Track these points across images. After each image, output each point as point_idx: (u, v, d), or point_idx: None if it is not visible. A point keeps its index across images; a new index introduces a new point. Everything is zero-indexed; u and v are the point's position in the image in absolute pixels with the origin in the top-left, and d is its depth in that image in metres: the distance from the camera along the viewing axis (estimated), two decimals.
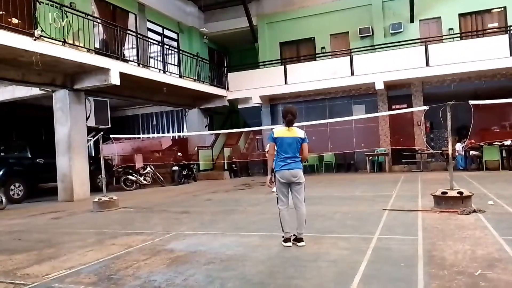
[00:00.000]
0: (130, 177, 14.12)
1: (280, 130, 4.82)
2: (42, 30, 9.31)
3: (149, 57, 15.31)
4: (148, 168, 14.92)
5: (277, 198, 4.90)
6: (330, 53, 17.54)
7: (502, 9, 15.72)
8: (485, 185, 9.26)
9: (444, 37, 15.82)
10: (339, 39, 17.99)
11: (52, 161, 11.93)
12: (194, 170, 16.65)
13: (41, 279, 3.98)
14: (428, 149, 14.24)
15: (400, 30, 16.55)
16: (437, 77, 15.22)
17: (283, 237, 4.77)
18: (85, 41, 10.97)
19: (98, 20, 12.70)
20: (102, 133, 9.92)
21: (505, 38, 13.98)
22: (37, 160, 12.55)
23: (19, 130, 16.69)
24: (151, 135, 20.09)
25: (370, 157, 15.86)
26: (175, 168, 15.32)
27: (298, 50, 18.84)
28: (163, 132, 20.67)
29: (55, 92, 11.79)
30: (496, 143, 13.78)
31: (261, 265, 4.04)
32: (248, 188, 12.50)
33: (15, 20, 9.36)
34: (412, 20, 16.50)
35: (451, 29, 16.03)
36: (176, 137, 20.18)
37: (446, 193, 6.51)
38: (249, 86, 17.30)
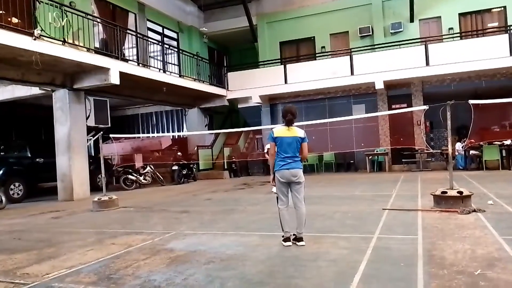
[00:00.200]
0: (130, 176, 14.12)
1: (280, 130, 4.82)
2: (41, 30, 9.30)
3: (149, 56, 15.31)
4: (148, 168, 14.92)
5: (277, 197, 4.91)
6: (330, 53, 17.54)
7: (502, 8, 15.72)
8: (485, 185, 9.26)
9: (444, 37, 15.82)
10: (339, 38, 17.99)
11: (52, 161, 11.93)
12: (194, 169, 16.65)
13: (41, 278, 3.98)
14: (428, 148, 14.24)
15: (400, 30, 16.55)
16: (437, 76, 15.22)
17: (283, 236, 4.78)
18: (85, 41, 10.97)
19: (98, 20, 12.69)
20: (102, 132, 9.92)
21: (505, 37, 13.98)
22: (37, 160, 12.55)
23: (19, 129, 16.69)
24: (151, 135, 20.09)
25: (370, 157, 15.86)
26: (175, 167, 15.32)
27: (298, 50, 18.83)
28: (163, 132, 20.68)
29: (54, 92, 11.78)
30: (496, 142, 13.79)
31: (261, 265, 4.04)
32: (248, 187, 12.51)
33: (14, 20, 9.36)
34: (412, 20, 16.50)
35: (451, 28, 16.03)
36: (176, 137, 20.18)
37: (446, 192, 6.51)
38: (249, 85, 17.30)
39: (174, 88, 15.21)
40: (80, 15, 10.75)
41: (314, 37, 18.30)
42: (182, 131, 20.06)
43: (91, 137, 14.57)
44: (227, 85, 18.00)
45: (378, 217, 6.19)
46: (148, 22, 16.34)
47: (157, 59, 15.74)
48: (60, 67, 10.84)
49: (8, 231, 6.95)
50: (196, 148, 17.65)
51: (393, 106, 16.02)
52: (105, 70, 11.14)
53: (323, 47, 18.00)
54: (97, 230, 6.52)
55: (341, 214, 6.64)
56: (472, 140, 13.34)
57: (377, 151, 15.88)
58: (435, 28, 16.52)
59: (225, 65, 21.41)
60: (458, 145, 14.48)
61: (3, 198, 10.18)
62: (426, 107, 8.01)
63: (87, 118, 12.83)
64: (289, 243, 4.69)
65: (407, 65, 14.93)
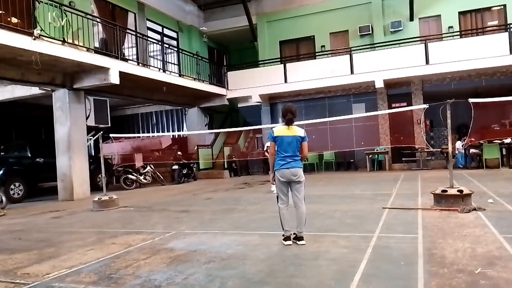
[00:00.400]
0: (130, 176, 14.12)
1: (279, 129, 4.82)
2: (41, 30, 9.30)
3: (149, 56, 15.31)
4: (148, 167, 14.91)
5: (277, 196, 4.91)
6: (330, 52, 17.54)
7: (502, 7, 15.71)
8: (485, 183, 9.27)
9: (444, 35, 15.80)
10: (338, 37, 17.98)
11: (52, 161, 11.93)
12: (194, 169, 16.65)
13: (41, 278, 3.98)
14: (428, 147, 14.24)
15: (400, 28, 16.54)
16: (437, 75, 15.21)
17: (283, 235, 4.78)
18: (84, 40, 10.97)
19: (98, 19, 12.68)
20: (102, 132, 9.92)
21: (505, 36, 13.96)
22: (37, 160, 12.55)
23: (19, 129, 16.69)
24: (151, 134, 20.09)
25: (370, 156, 15.86)
26: (175, 167, 15.32)
27: (298, 49, 18.83)
28: (163, 131, 20.67)
29: (54, 92, 11.78)
30: (496, 141, 13.78)
31: (261, 264, 4.04)
32: (248, 187, 12.51)
33: (14, 20, 9.36)
34: (412, 18, 16.49)
35: (451, 27, 16.02)
36: (176, 136, 20.18)
37: (446, 191, 6.51)
38: (248, 85, 17.30)
39: (174, 88, 15.20)
40: (80, 15, 10.75)
41: (314, 36, 18.29)
42: (182, 131, 20.05)
43: (91, 137, 14.58)
44: (227, 84, 17.99)
45: (378, 216, 6.19)
46: (147, 21, 16.32)
47: (157, 59, 15.75)
48: (60, 67, 10.84)
49: (8, 231, 6.96)
50: (196, 148, 17.66)
51: (393, 105, 16.00)
52: (104, 70, 11.14)
53: (323, 46, 18.00)
54: (98, 230, 6.52)
55: (341, 213, 6.64)
56: (472, 139, 13.33)
57: (377, 150, 15.88)
58: (435, 27, 16.52)
59: (225, 64, 21.40)
60: (458, 144, 14.48)
61: (3, 198, 10.18)
62: (426, 105, 8.00)
63: (87, 118, 12.84)
64: (289, 242, 4.69)
65: (407, 63, 14.92)
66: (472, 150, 14.27)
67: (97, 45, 12.82)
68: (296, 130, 4.82)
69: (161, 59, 15.87)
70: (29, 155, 12.52)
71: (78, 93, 11.97)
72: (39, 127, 16.66)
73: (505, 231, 4.74)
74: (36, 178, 12.53)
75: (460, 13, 16.11)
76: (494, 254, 3.90)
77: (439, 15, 16.37)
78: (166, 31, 17.79)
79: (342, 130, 16.46)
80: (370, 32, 17.01)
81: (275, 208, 5.14)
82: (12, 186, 11.57)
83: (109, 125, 14.25)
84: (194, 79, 16.26)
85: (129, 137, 17.92)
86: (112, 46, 12.28)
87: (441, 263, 3.71)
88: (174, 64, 16.76)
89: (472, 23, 16.16)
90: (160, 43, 16.22)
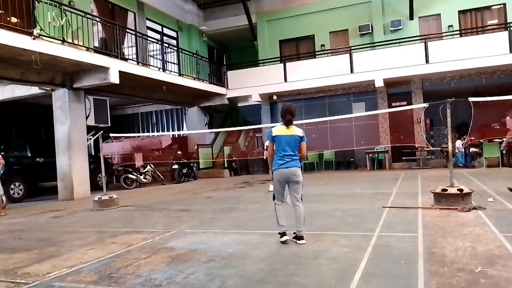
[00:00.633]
0: (130, 175, 14.12)
1: (278, 129, 4.83)
2: (41, 29, 9.29)
3: (149, 55, 15.29)
4: (148, 167, 14.92)
5: (273, 194, 4.91)
6: (329, 51, 17.52)
7: (502, 6, 15.70)
8: (485, 182, 9.27)
9: (443, 34, 15.80)
10: (338, 36, 17.97)
11: (52, 160, 11.93)
12: (194, 168, 16.65)
13: (41, 278, 3.98)
14: (428, 146, 14.23)
15: (400, 27, 16.54)
16: (437, 74, 15.21)
17: (279, 233, 4.77)
18: (84, 40, 10.96)
19: (97, 19, 12.66)
20: (101, 131, 9.92)
21: (504, 35, 13.96)
22: (37, 159, 12.55)
23: (19, 129, 16.68)
24: (151, 134, 20.09)
25: (370, 155, 15.86)
26: (175, 166, 15.32)
27: (298, 48, 18.82)
28: (163, 131, 20.67)
29: (54, 91, 11.78)
30: (496, 140, 13.78)
31: (261, 263, 4.04)
32: (248, 186, 12.51)
33: (14, 19, 9.34)
34: (411, 17, 16.48)
35: (451, 26, 16.02)
36: (176, 136, 20.17)
37: (446, 190, 6.51)
38: (248, 84, 17.30)
39: (173, 87, 15.20)
40: (79, 14, 10.74)
41: (313, 35, 18.29)
42: (182, 130, 20.05)
43: (91, 136, 14.58)
44: (227, 83, 17.99)
45: (378, 215, 6.19)
46: (147, 21, 16.32)
47: (156, 58, 15.73)
48: (60, 67, 10.84)
49: (8, 230, 6.96)
50: (196, 147, 17.66)
51: (393, 104, 16.00)
52: (104, 69, 11.14)
53: (322, 45, 17.99)
54: (98, 229, 6.52)
55: (341, 212, 6.64)
56: (472, 138, 13.33)
57: (377, 149, 15.89)
58: (435, 26, 16.51)
59: (224, 63, 21.39)
60: (458, 143, 14.48)
61: (4, 198, 10.18)
62: (426, 104, 8.00)
63: (87, 117, 12.84)
64: (286, 237, 4.69)
65: (407, 62, 14.92)
66: (472, 149, 14.27)
67: (96, 44, 12.80)
68: (295, 130, 4.83)
69: (161, 58, 15.86)
70: (29, 155, 12.53)
71: (78, 93, 11.97)
72: (39, 126, 16.66)
73: (505, 230, 4.74)
74: (36, 178, 12.54)
75: (460, 12, 16.10)
76: (494, 253, 3.91)
77: (439, 14, 16.36)
78: (165, 31, 17.78)
79: (342, 129, 16.46)
80: (370, 31, 17.00)
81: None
82: (12, 186, 11.57)
83: (109, 124, 14.25)
84: (194, 78, 16.25)
85: (129, 137, 17.91)
86: (112, 46, 12.27)
87: (441, 262, 3.71)
88: (174, 63, 16.75)
89: (472, 22, 16.15)
90: (159, 42, 16.21)
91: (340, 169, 16.73)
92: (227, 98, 18.03)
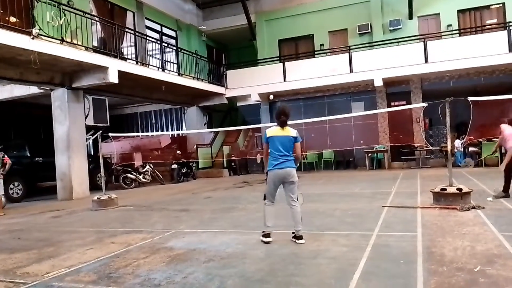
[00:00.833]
0: (129, 175, 14.11)
1: (272, 130, 4.86)
2: (40, 29, 9.28)
3: (148, 55, 15.28)
4: (147, 167, 14.91)
5: (264, 195, 4.94)
6: (328, 50, 17.52)
7: (501, 5, 15.71)
8: (484, 182, 9.27)
9: (443, 34, 15.80)
10: (337, 36, 17.98)
11: (51, 160, 11.92)
12: (193, 168, 16.65)
13: (40, 278, 3.98)
14: (427, 145, 14.23)
15: (399, 27, 16.54)
16: (436, 73, 15.22)
17: (263, 232, 4.79)
18: (83, 40, 10.94)
19: (96, 19, 12.65)
20: (101, 131, 9.92)
21: (504, 34, 13.96)
22: (36, 159, 12.53)
23: (18, 129, 16.65)
24: (150, 133, 20.07)
25: (369, 154, 15.87)
26: (174, 166, 15.32)
27: (297, 47, 18.81)
28: (162, 130, 20.67)
29: (53, 91, 11.77)
30: (495, 139, 13.77)
31: (261, 263, 4.04)
32: (248, 185, 12.50)
33: (12, 19, 9.33)
34: (410, 17, 16.49)
35: (450, 25, 16.02)
36: (175, 135, 20.16)
37: (445, 189, 6.52)
38: (248, 83, 17.30)
39: (173, 87, 15.19)
40: (78, 14, 10.72)
41: (312, 34, 18.29)
42: (181, 130, 20.04)
43: (90, 136, 14.56)
44: (226, 83, 17.98)
45: (377, 214, 6.19)
46: (146, 20, 16.30)
47: (155, 58, 15.72)
48: (59, 66, 10.82)
49: (7, 230, 6.95)
50: (195, 147, 17.65)
51: (392, 103, 16.00)
52: (103, 69, 11.13)
53: (321, 44, 17.98)
54: (97, 229, 6.52)
55: (340, 212, 6.64)
56: (472, 137, 13.34)
57: (376, 148, 15.90)
58: (434, 25, 16.51)
59: (224, 63, 21.38)
60: (457, 142, 14.49)
61: (3, 198, 10.16)
62: (425, 104, 8.01)
63: (86, 117, 12.82)
64: (270, 239, 4.72)
65: (406, 62, 14.93)
66: (471, 149, 14.28)
67: (96, 44, 12.79)
68: (289, 131, 4.85)
69: (160, 58, 15.85)
70: (28, 155, 12.50)
71: (77, 92, 11.95)
72: (38, 126, 16.64)
73: (504, 229, 4.75)
74: (35, 178, 12.51)
75: (459, 11, 16.11)
76: (493, 252, 3.91)
77: (438, 14, 16.37)
78: (165, 30, 17.78)
79: (341, 128, 16.46)
80: (369, 30, 17.00)
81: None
82: (11, 186, 11.55)
83: (108, 124, 14.23)
84: (193, 78, 16.25)
85: (128, 136, 17.90)
86: (111, 45, 12.26)
87: (441, 261, 3.72)
88: (173, 63, 16.74)
89: (471, 22, 16.16)
90: (159, 42, 16.20)
91: (339, 169, 16.73)
92: (226, 98, 18.03)
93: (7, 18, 9.13)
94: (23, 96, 12.96)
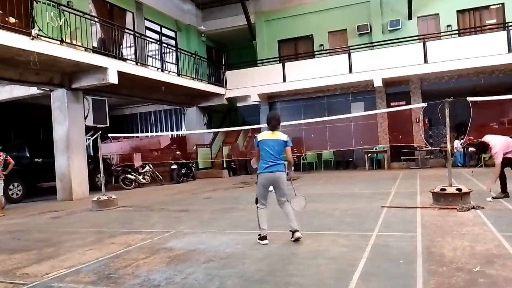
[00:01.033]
0: (129, 176, 14.11)
1: (263, 134, 5.00)
2: (39, 29, 9.28)
3: (147, 55, 15.28)
4: (147, 167, 14.91)
5: (256, 198, 5.00)
6: (328, 51, 17.53)
7: (500, 5, 15.72)
8: (483, 182, 9.27)
9: (442, 34, 15.81)
10: (337, 36, 17.98)
11: (50, 161, 11.91)
12: (193, 168, 16.64)
13: (40, 278, 3.98)
14: (427, 146, 14.23)
15: (398, 27, 16.55)
16: (436, 73, 15.23)
17: (259, 235, 4.83)
18: (82, 40, 10.94)
19: (96, 19, 12.65)
20: (100, 132, 9.92)
21: (503, 34, 13.97)
22: (36, 160, 12.52)
23: (18, 129, 16.64)
24: (149, 134, 20.06)
25: (369, 154, 15.88)
26: (174, 166, 15.31)
27: (296, 48, 18.82)
28: (161, 131, 20.66)
29: (53, 92, 11.76)
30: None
31: (260, 263, 4.04)
32: (247, 186, 12.50)
33: (12, 19, 9.33)
34: (410, 17, 16.50)
35: (449, 25, 16.03)
36: (175, 136, 20.16)
37: (445, 189, 6.52)
38: (247, 84, 17.30)
39: (172, 87, 15.19)
40: (78, 15, 10.73)
41: (312, 35, 18.30)
42: (181, 130, 20.04)
43: (90, 137, 14.56)
44: (226, 83, 17.99)
45: (377, 214, 6.20)
46: (146, 21, 16.30)
47: (155, 58, 15.73)
48: (58, 67, 10.82)
49: (7, 231, 6.95)
50: (195, 147, 17.64)
51: (392, 104, 16.02)
52: (103, 70, 11.12)
53: (321, 45, 17.99)
54: (97, 230, 6.51)
55: (340, 212, 6.65)
56: (471, 137, 13.33)
57: (376, 148, 15.90)
58: (433, 25, 16.53)
59: (223, 63, 21.39)
60: (457, 143, 14.49)
61: (3, 199, 10.15)
62: (424, 104, 8.01)
63: (85, 118, 12.82)
64: (266, 242, 4.75)
65: (405, 62, 14.94)
66: (470, 149, 14.27)
67: (95, 44, 12.80)
68: (279, 135, 4.94)
69: (159, 58, 15.85)
70: (28, 155, 12.49)
71: (77, 93, 11.95)
72: (38, 127, 16.63)
73: (503, 230, 4.75)
74: (35, 178, 12.50)
75: (458, 11, 16.12)
76: (493, 252, 3.91)
77: (438, 14, 16.38)
78: (164, 31, 17.78)
79: (341, 129, 16.45)
80: (369, 31, 17.01)
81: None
82: (11, 186, 11.53)
83: (108, 124, 14.23)
84: (193, 78, 16.25)
85: (128, 137, 17.90)
86: (111, 46, 12.26)
87: (440, 261, 3.72)
88: (172, 63, 16.74)
89: (471, 22, 16.17)
90: (158, 42, 16.20)
91: (339, 169, 16.74)
92: (226, 98, 18.03)
93: (6, 19, 9.13)
94: (22, 96, 12.96)
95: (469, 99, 6.84)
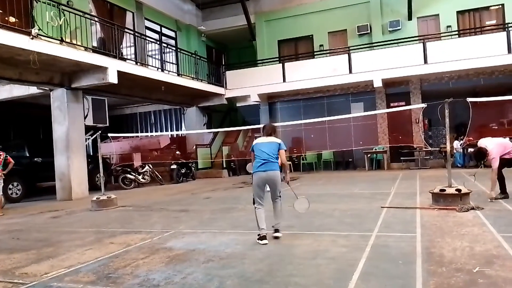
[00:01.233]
0: (129, 175, 14.10)
1: (258, 139, 5.22)
2: (39, 29, 9.27)
3: (147, 55, 15.27)
4: (147, 167, 14.90)
5: (253, 199, 5.03)
6: (328, 51, 17.53)
7: (500, 6, 15.72)
8: (483, 182, 9.27)
9: (442, 35, 15.82)
10: (337, 36, 17.99)
11: (50, 160, 11.90)
12: (193, 168, 16.63)
13: (39, 278, 3.97)
14: (427, 146, 14.23)
15: (398, 28, 16.55)
16: (435, 74, 15.24)
17: (258, 235, 4.86)
18: (82, 40, 10.94)
19: (96, 19, 12.65)
20: (100, 131, 9.91)
21: (503, 35, 13.98)
22: (35, 159, 12.51)
23: (17, 129, 16.64)
24: (149, 134, 20.06)
25: (369, 155, 15.88)
26: (174, 166, 15.30)
27: (296, 48, 18.82)
28: (161, 131, 20.65)
29: (52, 91, 11.76)
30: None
31: (260, 263, 4.04)
32: (247, 186, 12.48)
33: (12, 19, 9.32)
34: (410, 18, 16.50)
35: (449, 26, 16.04)
36: (175, 136, 20.16)
37: (444, 190, 6.53)
38: (247, 84, 17.30)
39: (172, 87, 15.19)
40: (78, 14, 10.72)
41: (312, 35, 18.30)
42: (181, 130, 20.04)
43: (90, 136, 14.54)
44: (226, 83, 17.98)
45: (377, 215, 6.20)
46: (146, 21, 16.29)
47: (155, 58, 15.72)
48: (58, 66, 10.82)
49: (7, 230, 6.94)
50: (194, 147, 17.64)
51: (392, 104, 16.02)
52: (103, 69, 11.12)
53: (321, 45, 17.99)
54: (96, 230, 6.51)
55: (340, 212, 6.65)
56: (471, 138, 13.34)
57: (375, 149, 15.91)
58: (433, 26, 16.53)
59: (223, 63, 21.38)
60: (456, 143, 14.49)
61: (2, 198, 10.15)
62: (424, 105, 8.01)
63: (85, 117, 12.81)
64: (266, 241, 4.78)
65: (405, 63, 14.95)
66: (470, 149, 14.27)
67: (95, 44, 12.79)
68: (273, 138, 5.16)
69: (159, 58, 15.84)
70: (27, 155, 12.48)
71: (76, 93, 11.94)
72: (37, 126, 16.62)
73: (503, 230, 4.76)
74: (35, 178, 12.49)
75: (458, 12, 16.12)
76: (493, 253, 3.91)
77: (438, 15, 16.38)
78: (164, 30, 17.77)
79: (340, 129, 16.46)
80: (369, 31, 17.01)
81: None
82: (10, 186, 11.52)
83: (108, 124, 14.21)
84: (193, 78, 16.24)
85: (128, 137, 17.89)
86: (110, 46, 12.25)
87: (440, 262, 3.72)
88: (172, 63, 16.73)
89: (471, 23, 16.17)
90: (158, 42, 16.20)
91: (338, 169, 16.74)
92: (225, 98, 18.03)
93: (6, 18, 9.12)
94: (22, 96, 12.95)
95: (469, 99, 6.84)
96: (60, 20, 9.99)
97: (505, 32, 13.98)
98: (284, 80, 16.76)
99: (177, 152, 16.04)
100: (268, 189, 5.05)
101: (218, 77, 18.24)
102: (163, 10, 17.20)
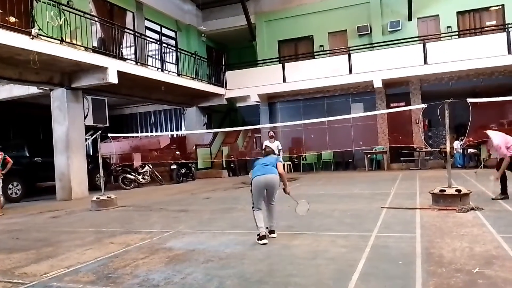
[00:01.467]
0: (129, 175, 14.10)
1: (259, 160, 5.41)
2: (39, 29, 9.27)
3: (147, 55, 15.27)
4: (147, 167, 14.89)
5: (253, 202, 5.06)
6: (328, 51, 17.54)
7: (500, 7, 15.72)
8: (483, 183, 9.27)
9: (442, 35, 15.82)
10: (337, 37, 17.98)
11: (50, 160, 11.90)
12: (193, 168, 16.63)
13: (39, 278, 3.97)
14: (426, 147, 14.22)
15: (398, 28, 16.55)
16: (435, 75, 15.24)
17: (258, 235, 4.88)
18: (82, 40, 10.94)
19: (96, 19, 12.65)
20: (100, 131, 9.91)
21: (503, 36, 13.98)
22: (35, 159, 12.51)
23: (17, 128, 16.64)
24: (149, 134, 20.05)
25: (369, 155, 15.87)
26: (174, 166, 15.30)
27: (296, 48, 18.82)
28: (161, 131, 20.65)
29: (52, 91, 11.76)
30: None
31: (259, 263, 4.04)
32: (247, 186, 12.45)
33: (12, 19, 9.32)
34: (410, 18, 16.50)
35: (449, 27, 16.04)
36: (175, 136, 20.15)
37: (444, 191, 6.53)
38: (247, 84, 17.30)
39: (172, 87, 15.19)
40: (78, 14, 10.72)
41: (312, 35, 18.30)
42: (181, 130, 20.04)
43: (89, 136, 14.54)
44: (226, 84, 17.98)
45: (376, 215, 6.20)
46: (146, 21, 16.30)
47: (155, 58, 15.72)
48: (58, 66, 10.82)
49: (6, 230, 6.94)
50: (194, 147, 17.64)
51: (392, 105, 16.02)
52: (103, 69, 11.12)
53: (321, 45, 17.99)
54: (96, 230, 6.51)
55: (339, 213, 6.65)
56: (471, 139, 13.33)
57: (375, 149, 15.90)
58: (433, 27, 16.53)
59: (223, 64, 21.38)
60: (456, 144, 14.49)
61: (2, 198, 10.15)
62: (424, 105, 8.02)
63: (85, 117, 12.81)
64: (265, 241, 4.81)
65: (405, 63, 14.94)
66: (470, 150, 14.29)
67: (95, 44, 12.79)
68: (272, 155, 5.46)
69: (159, 58, 15.84)
70: (27, 155, 12.48)
71: (76, 93, 11.94)
72: (37, 126, 16.62)
73: (503, 231, 4.76)
74: (34, 178, 12.49)
75: (458, 13, 16.12)
76: (492, 253, 3.91)
77: (438, 15, 16.38)
78: (164, 31, 17.77)
79: (340, 129, 16.45)
80: (369, 31, 17.01)
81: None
82: (10, 186, 11.52)
83: (107, 124, 14.21)
84: (193, 78, 16.24)
85: (128, 137, 17.88)
86: (111, 46, 12.24)
87: (439, 262, 3.72)
88: (172, 63, 16.73)
89: (471, 23, 16.17)
90: (158, 42, 16.20)
91: (338, 170, 16.73)
92: (225, 98, 18.02)
93: (6, 18, 9.12)
94: (22, 96, 12.95)
95: (469, 100, 6.84)
96: (60, 20, 9.99)
97: (505, 33, 13.98)
98: (284, 81, 16.76)
99: (177, 152, 16.03)
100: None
101: (218, 77, 18.25)
102: (163, 10, 17.20)
